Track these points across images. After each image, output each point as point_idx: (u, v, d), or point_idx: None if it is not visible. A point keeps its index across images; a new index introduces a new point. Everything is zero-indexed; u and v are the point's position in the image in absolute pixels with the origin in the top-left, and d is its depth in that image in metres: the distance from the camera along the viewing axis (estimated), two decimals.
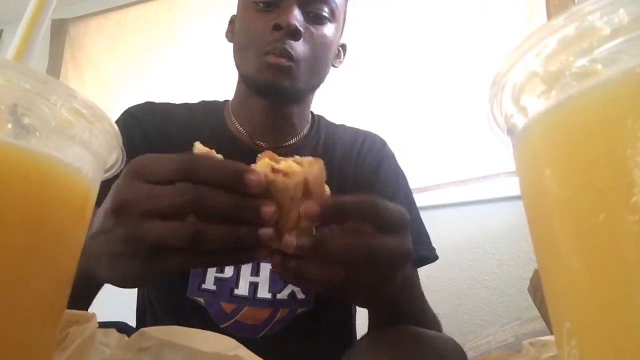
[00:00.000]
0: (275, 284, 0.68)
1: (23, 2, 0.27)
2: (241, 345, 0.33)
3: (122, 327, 0.78)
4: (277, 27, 0.67)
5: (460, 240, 1.42)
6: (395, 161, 0.83)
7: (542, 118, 0.21)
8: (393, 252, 0.39)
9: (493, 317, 1.30)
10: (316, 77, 0.74)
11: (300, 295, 0.69)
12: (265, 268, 0.69)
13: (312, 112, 0.86)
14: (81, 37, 2.26)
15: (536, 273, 0.57)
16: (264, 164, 0.36)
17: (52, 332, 0.25)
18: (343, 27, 0.81)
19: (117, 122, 0.75)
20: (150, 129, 0.74)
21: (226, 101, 0.84)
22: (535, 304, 0.54)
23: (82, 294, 0.48)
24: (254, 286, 0.68)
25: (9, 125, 0.22)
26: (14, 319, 0.22)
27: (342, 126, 0.87)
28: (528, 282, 0.58)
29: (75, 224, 0.25)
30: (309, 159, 0.37)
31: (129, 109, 0.78)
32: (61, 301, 0.26)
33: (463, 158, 1.48)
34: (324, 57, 0.73)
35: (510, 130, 0.25)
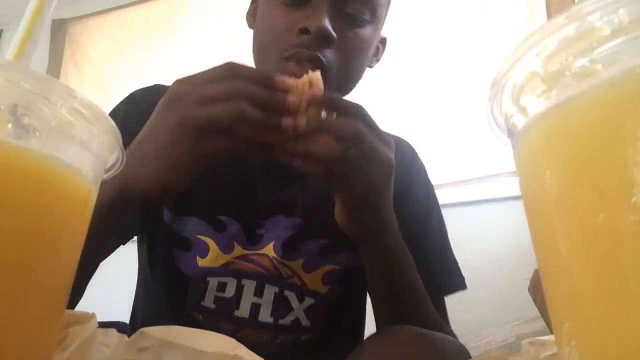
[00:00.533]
0: (279, 309, 0.64)
1: (23, 2, 0.27)
2: (241, 345, 0.33)
3: (122, 327, 0.78)
4: (304, 31, 0.56)
5: (461, 240, 1.42)
6: (426, 176, 0.77)
7: (542, 118, 0.21)
8: (378, 149, 0.49)
9: (493, 317, 1.30)
10: (347, 87, 0.64)
11: (305, 322, 0.64)
12: (270, 291, 0.64)
13: None
14: (81, 36, 2.26)
15: (536, 273, 0.57)
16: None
17: (52, 332, 0.25)
18: (383, 24, 0.69)
19: (119, 107, 0.71)
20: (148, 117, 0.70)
21: None
22: (536, 304, 0.54)
23: (110, 225, 0.50)
24: (255, 307, 0.63)
25: (9, 126, 0.22)
26: (13, 320, 0.22)
27: None
28: (528, 282, 0.58)
29: (75, 224, 0.25)
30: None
31: (133, 93, 0.73)
32: (61, 301, 0.26)
33: (463, 158, 1.48)
34: (359, 65, 0.63)
35: (510, 131, 0.25)
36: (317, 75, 0.48)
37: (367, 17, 0.60)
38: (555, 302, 0.22)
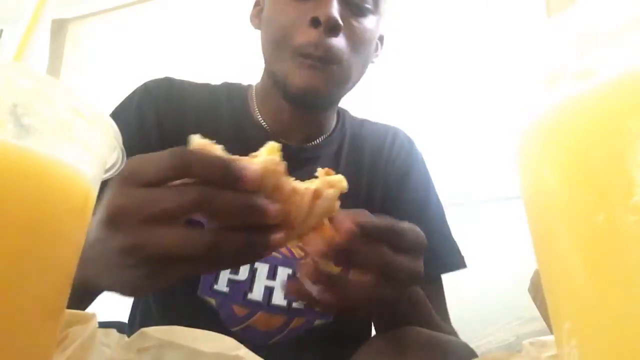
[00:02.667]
0: None
1: (23, 2, 0.27)
2: (242, 346, 0.33)
3: (122, 327, 0.77)
4: (315, 22, 0.59)
5: (461, 240, 1.42)
6: (424, 165, 0.79)
7: (542, 118, 0.21)
8: (406, 271, 0.41)
9: (493, 317, 1.30)
10: (355, 76, 0.67)
11: None
12: (283, 272, 0.64)
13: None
14: (81, 36, 2.26)
15: (536, 273, 0.57)
16: (271, 150, 0.35)
17: (53, 332, 0.25)
18: (385, 17, 0.72)
19: (132, 97, 0.71)
20: (163, 110, 0.69)
21: (249, 86, 0.77)
22: (535, 304, 0.54)
23: (80, 299, 0.45)
24: (269, 291, 0.64)
25: (9, 125, 0.22)
26: (14, 320, 0.22)
27: (366, 121, 0.81)
28: (528, 282, 0.58)
29: (75, 224, 0.25)
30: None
31: (147, 83, 0.73)
32: (61, 301, 0.26)
33: (463, 158, 1.48)
34: (364, 54, 0.65)
35: (511, 130, 0.24)
36: (336, 179, 0.37)
37: (370, 6, 0.63)
38: (555, 302, 0.22)
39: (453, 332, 0.65)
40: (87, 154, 0.26)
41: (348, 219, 0.37)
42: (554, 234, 0.21)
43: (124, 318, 0.83)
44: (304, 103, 0.66)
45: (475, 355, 0.48)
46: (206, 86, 0.77)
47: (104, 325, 0.35)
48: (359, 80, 0.70)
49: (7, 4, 2.18)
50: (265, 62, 0.68)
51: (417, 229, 0.42)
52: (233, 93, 0.75)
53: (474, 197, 1.45)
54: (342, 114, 0.79)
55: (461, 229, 1.43)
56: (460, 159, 1.48)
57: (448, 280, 1.38)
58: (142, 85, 0.72)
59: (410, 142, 0.80)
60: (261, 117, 0.72)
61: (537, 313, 0.53)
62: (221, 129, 0.69)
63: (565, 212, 0.20)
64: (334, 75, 0.62)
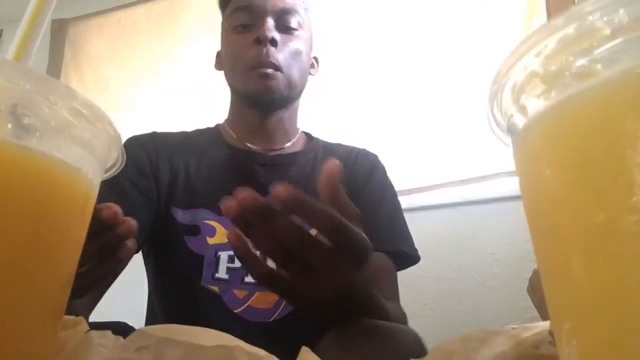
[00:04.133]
0: None
1: (23, 2, 0.27)
2: (240, 340, 0.33)
3: (122, 327, 0.79)
4: (257, 41, 0.78)
5: (461, 240, 1.42)
6: (384, 173, 0.90)
7: (542, 118, 0.21)
8: (357, 236, 0.43)
9: (493, 317, 1.30)
10: (297, 83, 0.83)
11: None
12: None
13: (309, 133, 0.95)
14: (81, 37, 2.26)
15: (535, 273, 0.57)
16: None
17: (53, 333, 0.25)
18: (312, 41, 0.91)
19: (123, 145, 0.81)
20: (152, 152, 0.82)
21: (218, 124, 0.93)
22: (535, 304, 0.54)
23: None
24: None
25: (9, 125, 0.22)
26: (14, 321, 0.22)
27: (339, 144, 0.95)
28: (527, 282, 0.58)
29: (75, 224, 0.25)
30: None
31: (133, 136, 0.85)
32: (62, 302, 0.26)
33: (463, 158, 1.48)
34: (301, 64, 0.83)
35: (510, 130, 0.25)
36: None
37: (295, 26, 0.83)
38: (555, 302, 0.22)
39: (403, 315, 0.72)
40: (87, 153, 0.26)
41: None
42: (554, 234, 0.21)
43: (125, 318, 0.83)
44: (262, 103, 0.82)
45: (421, 342, 0.50)
46: (182, 132, 0.92)
47: (103, 325, 0.35)
48: (302, 87, 0.86)
49: (7, 4, 2.18)
50: (231, 87, 0.86)
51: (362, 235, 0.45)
52: (203, 130, 0.92)
53: (471, 197, 1.45)
54: (315, 139, 0.94)
55: (460, 229, 1.43)
56: (459, 158, 1.48)
57: (448, 280, 1.38)
58: (129, 138, 0.85)
59: (374, 157, 0.93)
60: (234, 134, 0.87)
61: (537, 313, 0.53)
62: (195, 151, 0.84)
63: (565, 212, 0.20)
64: (279, 80, 0.79)
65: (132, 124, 1.92)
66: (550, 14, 1.44)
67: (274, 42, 0.78)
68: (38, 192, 0.22)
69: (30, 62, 0.27)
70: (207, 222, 0.76)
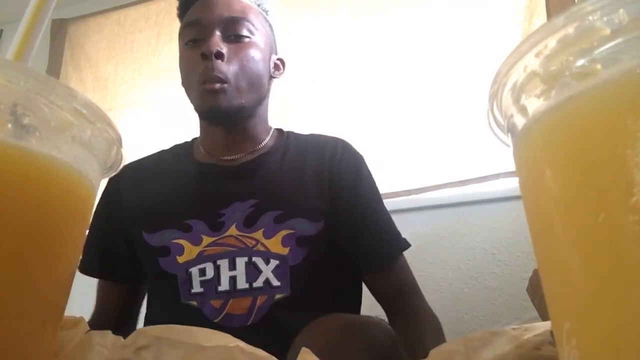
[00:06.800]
0: (250, 274, 0.76)
1: (23, 2, 0.27)
2: (239, 340, 0.33)
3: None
4: (203, 56, 0.77)
5: (460, 240, 1.42)
6: (369, 171, 0.89)
7: (542, 118, 0.21)
8: None
9: (493, 317, 1.30)
10: (254, 90, 0.82)
11: (275, 282, 0.76)
12: (241, 262, 0.76)
13: (279, 129, 0.94)
14: (81, 37, 2.26)
15: (535, 273, 0.57)
16: None
17: (53, 333, 0.25)
18: (273, 44, 0.89)
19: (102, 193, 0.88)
20: (124, 189, 0.86)
21: (195, 138, 0.94)
22: (534, 304, 0.54)
23: None
24: (233, 280, 0.76)
25: (9, 125, 0.22)
26: (14, 321, 0.22)
27: (311, 134, 0.94)
28: (526, 282, 0.58)
29: (75, 224, 0.25)
30: None
31: (110, 178, 0.86)
32: (61, 302, 0.26)
33: (462, 158, 1.48)
34: (254, 70, 0.81)
35: (510, 130, 0.25)
36: None
37: (246, 34, 0.81)
38: (555, 302, 0.22)
39: (426, 306, 0.79)
40: (87, 154, 0.26)
41: None
42: (554, 234, 0.21)
43: None
44: (218, 119, 0.82)
45: (393, 335, 0.52)
46: (157, 153, 0.94)
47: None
48: (262, 92, 0.84)
49: (7, 4, 2.18)
50: (192, 104, 0.84)
51: None
52: (179, 146, 0.93)
53: (471, 197, 1.45)
54: (286, 134, 0.93)
55: (460, 229, 1.43)
56: (459, 158, 1.48)
57: (448, 280, 1.38)
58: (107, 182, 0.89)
59: (351, 146, 0.92)
60: (204, 149, 0.88)
61: (536, 313, 0.53)
62: (164, 173, 0.87)
63: (565, 211, 0.20)
64: (227, 92, 0.77)
65: (132, 123, 1.93)
66: (550, 14, 1.44)
67: (219, 55, 0.77)
68: (38, 192, 0.22)
69: (30, 62, 0.27)
70: (175, 241, 0.79)
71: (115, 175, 0.82)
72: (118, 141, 0.28)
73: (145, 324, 0.84)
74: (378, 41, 1.69)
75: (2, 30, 2.47)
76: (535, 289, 0.56)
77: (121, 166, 0.30)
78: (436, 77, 1.58)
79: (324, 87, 1.59)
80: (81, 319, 0.33)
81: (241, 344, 0.32)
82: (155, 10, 2.12)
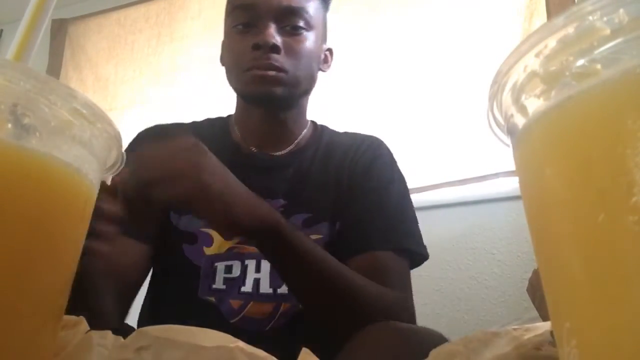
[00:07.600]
0: (275, 279, 0.72)
1: (23, 2, 0.27)
2: (240, 340, 0.33)
3: (124, 328, 0.79)
4: (256, 47, 0.73)
5: (460, 240, 1.42)
6: (391, 159, 0.85)
7: (542, 118, 0.21)
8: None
9: (493, 317, 1.30)
10: (304, 83, 0.79)
11: None
12: (266, 265, 0.72)
13: (314, 122, 0.90)
14: (81, 37, 2.26)
15: (535, 273, 0.57)
16: None
17: (53, 333, 0.25)
18: (325, 33, 0.86)
19: (127, 146, 0.80)
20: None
21: (229, 115, 0.90)
22: (534, 304, 0.54)
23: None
24: (257, 282, 0.72)
25: (9, 125, 0.22)
26: (14, 321, 0.22)
27: (345, 133, 0.90)
28: (527, 282, 0.58)
29: (75, 224, 0.25)
30: None
31: (139, 133, 0.83)
32: (62, 302, 0.26)
33: (462, 158, 1.48)
34: (307, 65, 0.78)
35: (510, 130, 0.25)
36: None
37: (302, 25, 0.78)
38: (555, 302, 0.22)
39: (407, 300, 0.70)
40: (87, 154, 0.26)
41: None
42: (554, 234, 0.21)
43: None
44: (263, 101, 0.78)
45: (446, 341, 0.50)
46: (191, 124, 0.89)
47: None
48: (311, 86, 0.83)
49: (7, 4, 2.18)
50: (231, 85, 0.82)
51: None
52: (215, 123, 0.89)
53: (471, 197, 1.45)
54: (320, 128, 0.90)
55: (460, 229, 1.43)
56: (459, 158, 1.48)
57: (448, 280, 1.38)
58: (135, 137, 0.83)
59: (379, 143, 0.88)
60: (239, 133, 0.85)
61: (536, 313, 0.53)
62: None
63: (565, 212, 0.20)
64: (281, 79, 0.74)
65: (132, 123, 1.93)
66: (550, 14, 1.44)
67: (275, 49, 0.73)
68: (38, 192, 0.22)
69: (30, 62, 0.27)
70: (203, 230, 0.74)
71: (145, 137, 0.80)
72: (118, 141, 0.28)
73: (151, 317, 0.79)
74: (378, 41, 1.69)
75: (2, 30, 2.47)
76: (535, 289, 0.56)
77: (121, 166, 0.30)
78: (436, 77, 1.58)
79: (323, 86, 1.59)
80: (81, 319, 0.33)
81: (241, 344, 0.32)
82: (156, 10, 2.12)
